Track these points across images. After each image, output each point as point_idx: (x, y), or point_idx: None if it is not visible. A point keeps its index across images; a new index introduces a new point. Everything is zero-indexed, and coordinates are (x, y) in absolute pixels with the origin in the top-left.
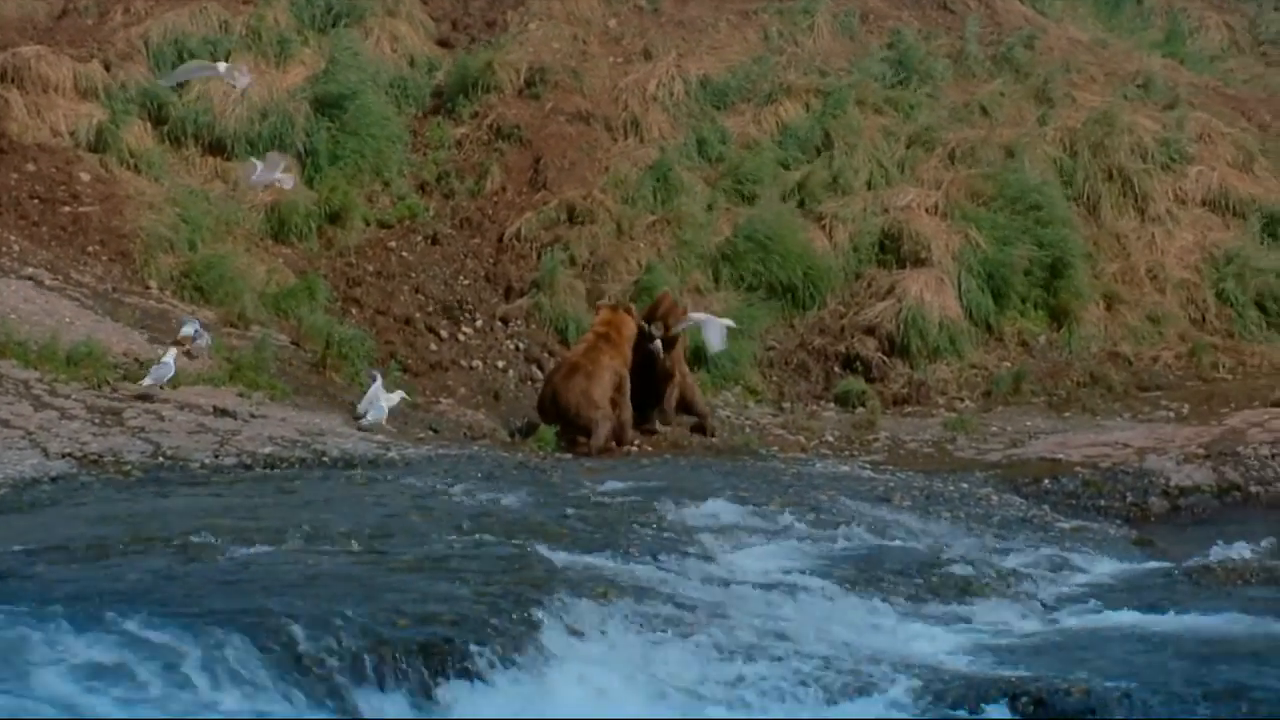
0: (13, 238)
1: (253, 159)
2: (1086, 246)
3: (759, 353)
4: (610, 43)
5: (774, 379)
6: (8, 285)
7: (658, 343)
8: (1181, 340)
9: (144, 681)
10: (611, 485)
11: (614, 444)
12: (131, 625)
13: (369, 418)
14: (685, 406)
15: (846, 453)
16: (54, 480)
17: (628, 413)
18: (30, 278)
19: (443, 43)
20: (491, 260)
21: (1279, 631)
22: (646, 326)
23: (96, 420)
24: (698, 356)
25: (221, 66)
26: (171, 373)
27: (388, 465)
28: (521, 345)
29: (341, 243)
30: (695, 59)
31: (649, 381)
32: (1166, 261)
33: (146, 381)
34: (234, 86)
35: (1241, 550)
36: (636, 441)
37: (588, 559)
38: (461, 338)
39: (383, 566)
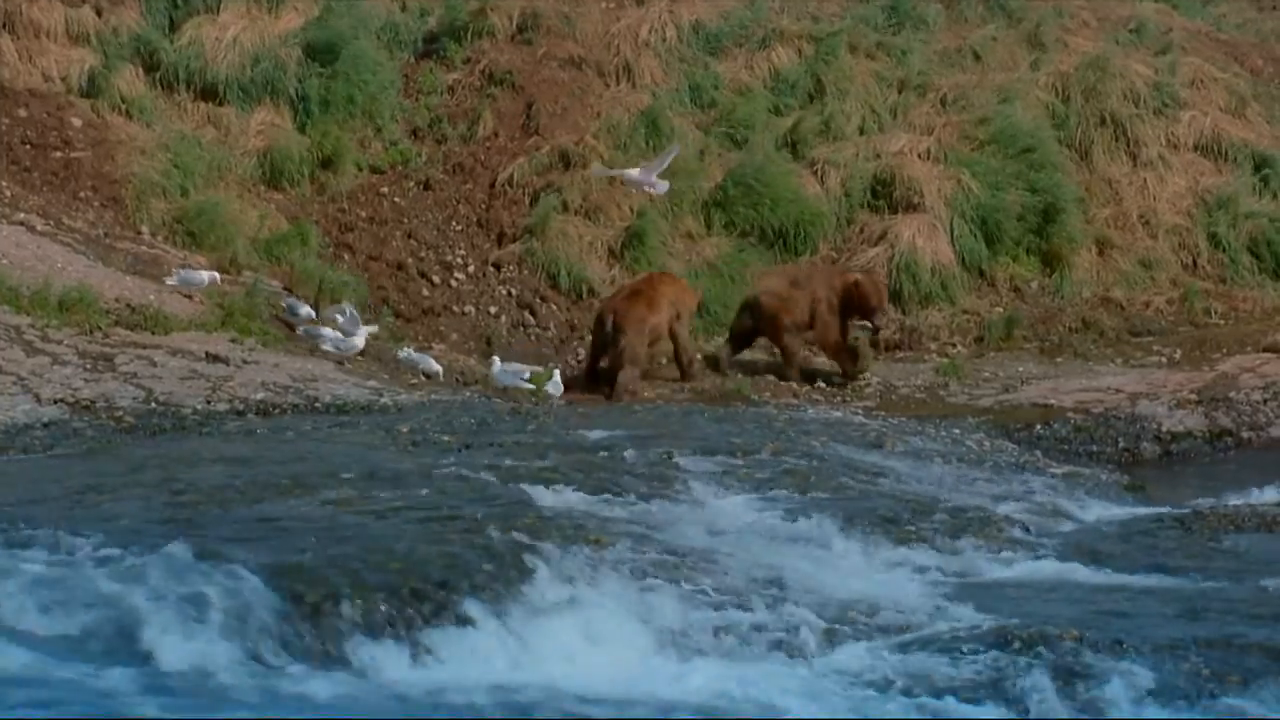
0: (4, 183)
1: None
2: (1079, 192)
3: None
4: None
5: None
6: None
7: None
8: (1173, 285)
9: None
10: (603, 432)
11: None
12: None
13: (352, 341)
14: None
15: (839, 399)
16: (46, 426)
17: (689, 350)
18: (22, 223)
19: None
20: (484, 206)
21: (1270, 580)
22: None
23: (89, 366)
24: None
25: (635, 173)
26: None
27: (380, 411)
28: (514, 291)
29: (334, 188)
30: (688, 4)
31: None
32: (1159, 207)
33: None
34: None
35: (1233, 496)
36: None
37: (579, 506)
38: (454, 283)
39: (373, 513)
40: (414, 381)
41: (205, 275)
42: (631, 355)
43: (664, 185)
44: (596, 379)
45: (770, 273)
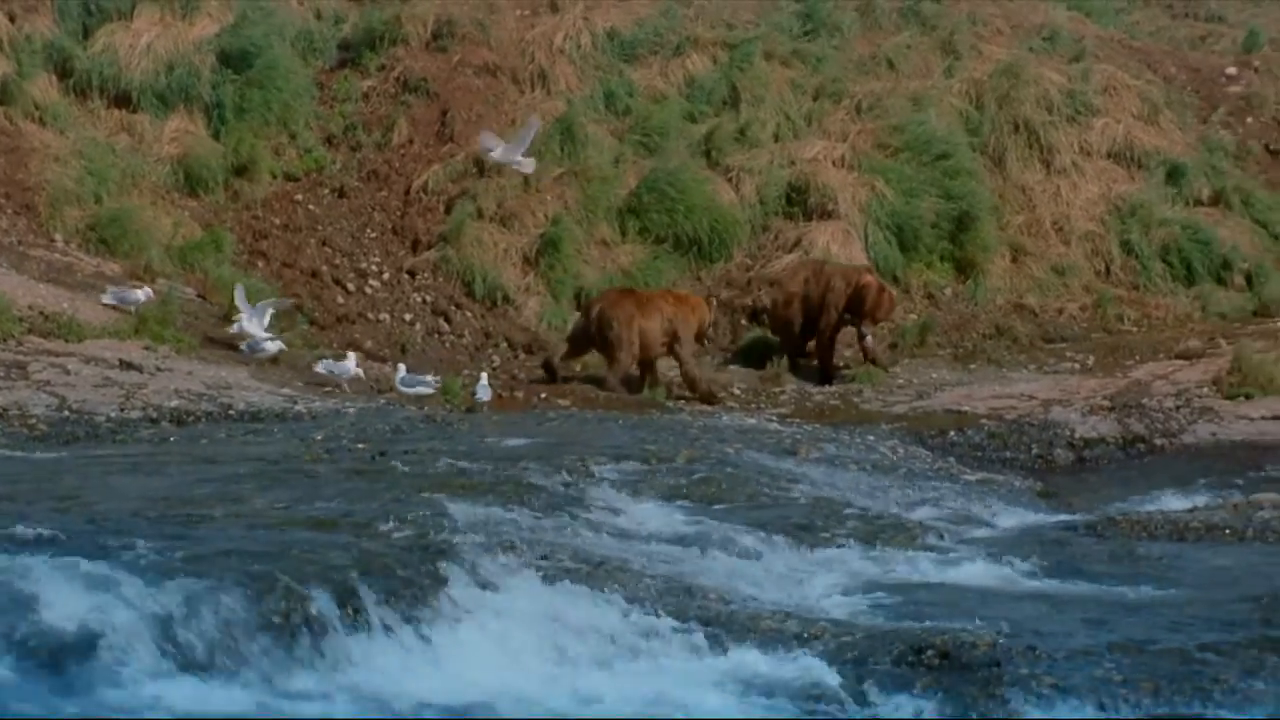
0: None
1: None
2: (992, 199)
3: None
4: None
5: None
6: None
7: None
8: (1086, 292)
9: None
10: (518, 439)
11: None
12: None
13: (252, 324)
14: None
15: (754, 405)
16: None
17: (696, 367)
18: None
19: None
20: (399, 213)
21: (1182, 586)
22: None
23: (1, 374)
24: None
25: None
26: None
27: (294, 419)
28: (429, 298)
29: (248, 196)
30: (602, 11)
31: None
32: (1072, 213)
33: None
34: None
35: (1146, 502)
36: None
37: (493, 513)
38: (369, 290)
39: (284, 521)
40: (328, 389)
41: (141, 293)
42: (618, 346)
43: (530, 163)
44: (554, 375)
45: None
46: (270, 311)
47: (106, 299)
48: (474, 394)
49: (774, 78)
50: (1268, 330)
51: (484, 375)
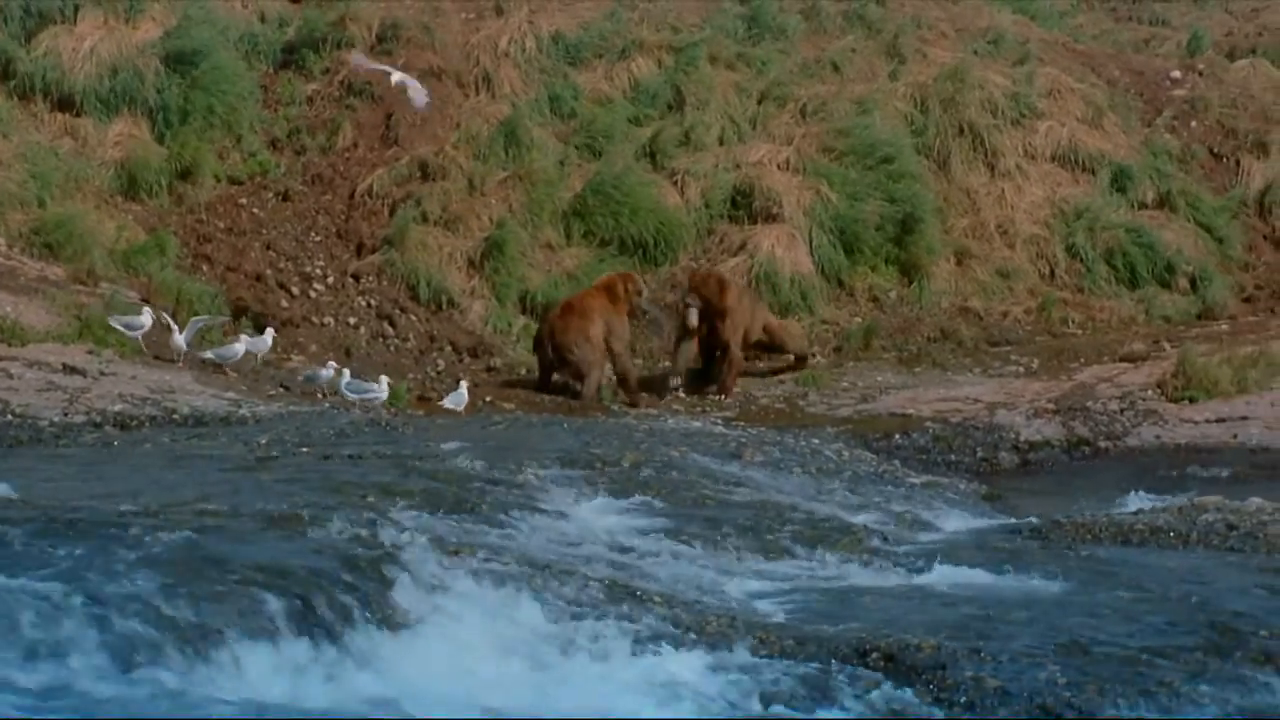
0: None
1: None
2: (937, 202)
3: None
4: None
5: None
6: None
7: (693, 311)
8: (1031, 295)
9: None
10: (462, 443)
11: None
12: None
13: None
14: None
15: (699, 409)
16: None
17: (629, 365)
18: None
19: None
20: (343, 217)
21: (1126, 589)
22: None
23: None
24: None
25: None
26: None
27: (239, 423)
28: (373, 302)
29: (192, 199)
30: (547, 15)
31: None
32: (1016, 217)
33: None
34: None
35: (1090, 505)
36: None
37: (439, 517)
38: (313, 294)
39: (229, 525)
40: (272, 393)
41: (148, 318)
42: (585, 368)
43: (423, 96)
44: (549, 389)
45: None
46: (199, 326)
47: (114, 324)
48: (446, 404)
49: (719, 81)
50: (1212, 333)
51: (463, 384)
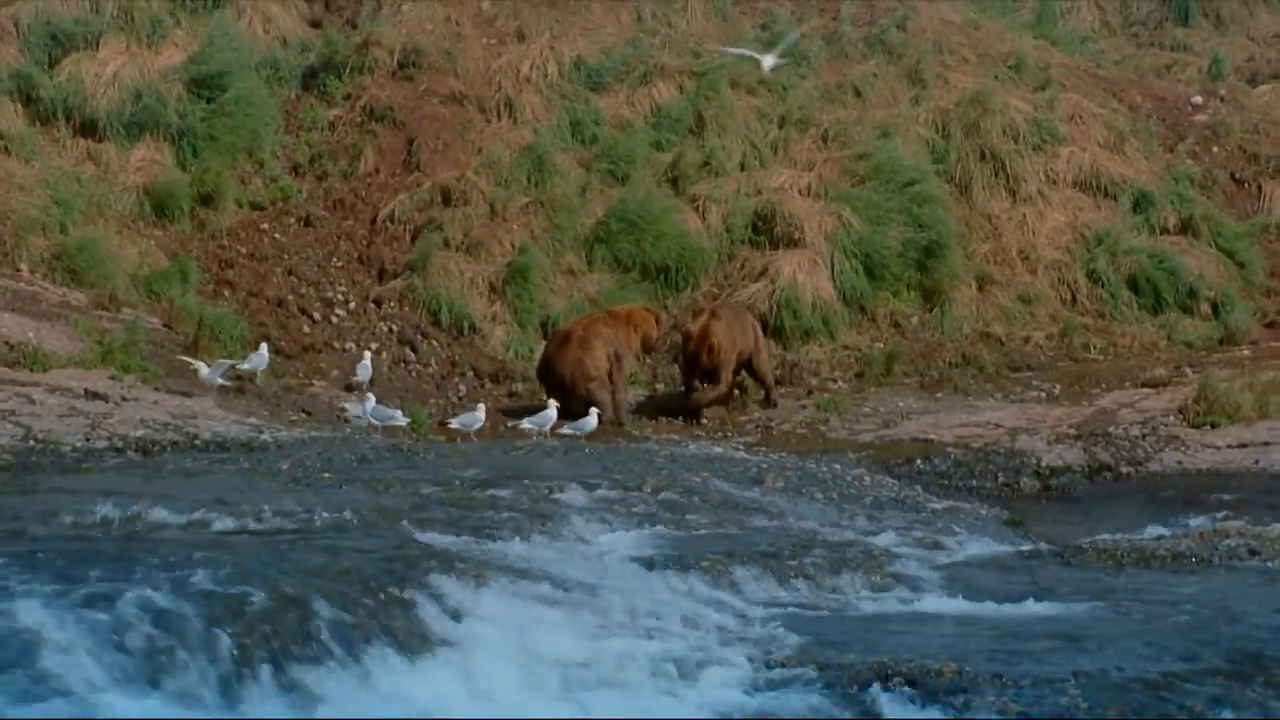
0: None
1: None
2: (959, 227)
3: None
4: (484, 24)
5: (647, 360)
6: None
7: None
8: (1053, 320)
9: None
10: (483, 469)
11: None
12: None
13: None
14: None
15: (720, 434)
16: None
17: (622, 393)
18: None
19: (315, 24)
20: (365, 242)
21: (1147, 614)
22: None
23: None
24: None
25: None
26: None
27: (260, 448)
28: (395, 327)
29: (214, 225)
30: (569, 40)
31: None
32: (1038, 242)
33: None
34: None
35: (1112, 530)
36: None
37: (461, 541)
38: (335, 320)
39: (253, 550)
40: (294, 418)
41: (265, 355)
42: (584, 392)
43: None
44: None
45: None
46: (227, 366)
47: (215, 368)
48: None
49: (740, 106)
50: (1233, 359)
51: (481, 407)
